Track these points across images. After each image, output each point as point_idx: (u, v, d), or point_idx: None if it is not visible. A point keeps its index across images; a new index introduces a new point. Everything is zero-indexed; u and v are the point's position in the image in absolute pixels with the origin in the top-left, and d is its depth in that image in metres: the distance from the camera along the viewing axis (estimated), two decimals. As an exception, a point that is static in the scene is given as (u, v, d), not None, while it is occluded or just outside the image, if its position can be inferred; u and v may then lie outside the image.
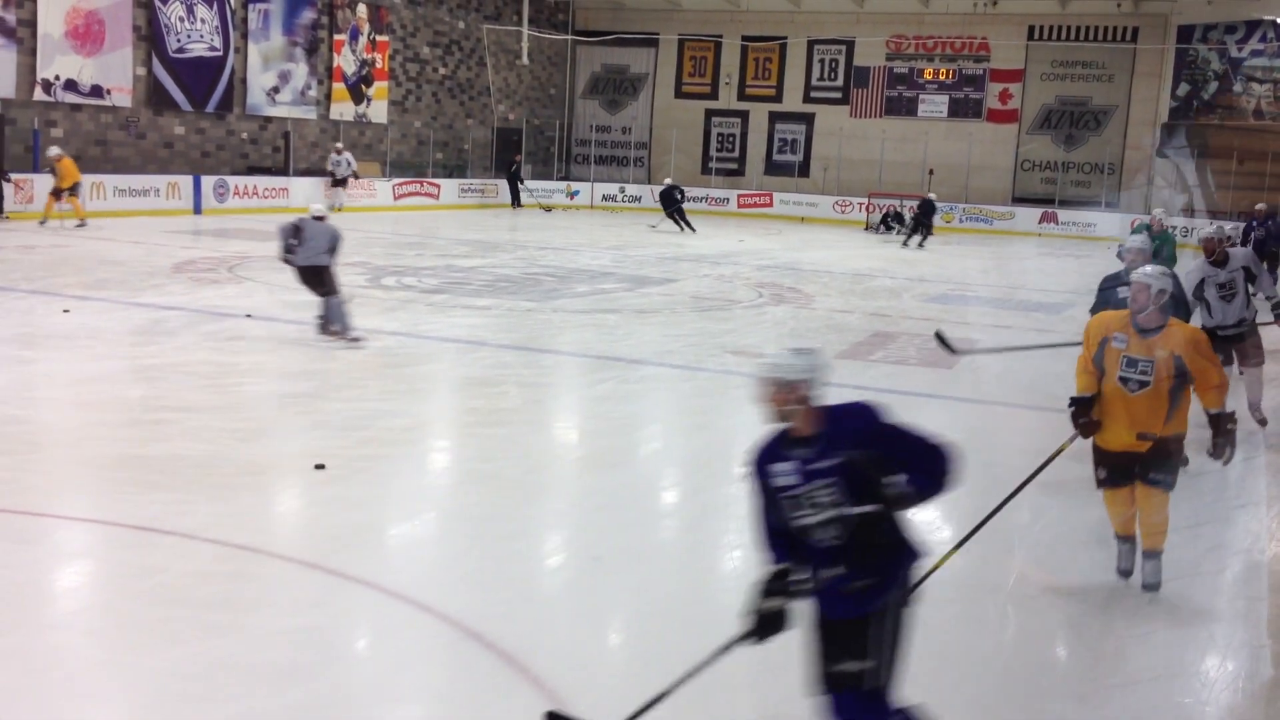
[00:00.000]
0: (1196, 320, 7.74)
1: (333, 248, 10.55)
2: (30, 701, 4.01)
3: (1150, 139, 32.44)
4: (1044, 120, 33.98)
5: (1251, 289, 8.63)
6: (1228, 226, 25.26)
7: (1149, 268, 5.59)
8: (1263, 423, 8.60)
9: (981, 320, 14.36)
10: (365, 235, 21.32)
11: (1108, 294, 7.64)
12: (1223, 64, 31.17)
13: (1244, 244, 15.91)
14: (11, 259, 15.67)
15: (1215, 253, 8.53)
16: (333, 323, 10.39)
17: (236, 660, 4.35)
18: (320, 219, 10.67)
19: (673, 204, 26.04)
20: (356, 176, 26.97)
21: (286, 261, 10.54)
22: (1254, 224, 17.88)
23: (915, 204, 26.93)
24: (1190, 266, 8.70)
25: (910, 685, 4.48)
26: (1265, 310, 9.23)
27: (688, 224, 25.87)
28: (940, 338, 8.66)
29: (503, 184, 32.55)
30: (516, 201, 31.67)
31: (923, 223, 25.94)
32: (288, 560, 5.38)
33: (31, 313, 11.07)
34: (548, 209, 31.10)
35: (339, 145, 27.11)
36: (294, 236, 10.42)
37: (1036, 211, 32.07)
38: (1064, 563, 5.95)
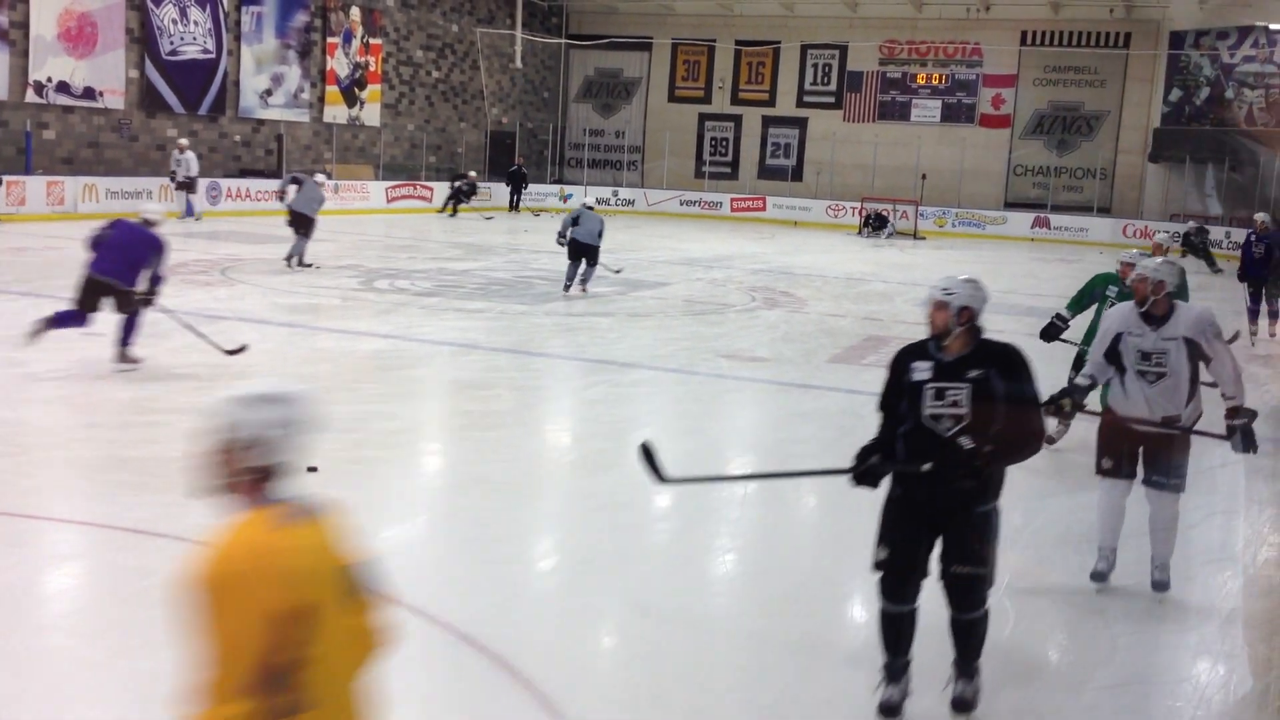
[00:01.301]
0: (1095, 401, 6.00)
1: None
2: (21, 704, 4.00)
3: (1142, 144, 32.56)
4: (1036, 125, 34.08)
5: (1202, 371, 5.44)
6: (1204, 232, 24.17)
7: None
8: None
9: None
10: (358, 238, 21.27)
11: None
12: (1214, 70, 31.30)
13: (1243, 263, 14.55)
14: (4, 261, 15.63)
15: (1145, 299, 5.38)
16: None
17: (227, 663, 4.33)
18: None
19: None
20: (190, 181, 22.77)
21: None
22: (1253, 238, 14.37)
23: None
24: (1107, 311, 6.08)
25: (921, 679, 4.48)
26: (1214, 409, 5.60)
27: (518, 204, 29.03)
28: (648, 453, 4.45)
29: (496, 187, 32.54)
30: (516, 205, 31.61)
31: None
32: (279, 563, 5.36)
33: (23, 314, 11.03)
34: (537, 213, 31.07)
35: (183, 142, 23.15)
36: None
37: (1029, 216, 32.16)
38: (1057, 563, 5.96)
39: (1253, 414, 5.40)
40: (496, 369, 10.31)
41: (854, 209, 31.98)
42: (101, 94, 23.05)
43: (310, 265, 15.84)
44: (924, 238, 30.58)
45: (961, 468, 3.93)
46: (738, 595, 5.57)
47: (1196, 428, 5.47)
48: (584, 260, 14.87)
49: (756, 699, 4.36)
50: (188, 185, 22.89)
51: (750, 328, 13.47)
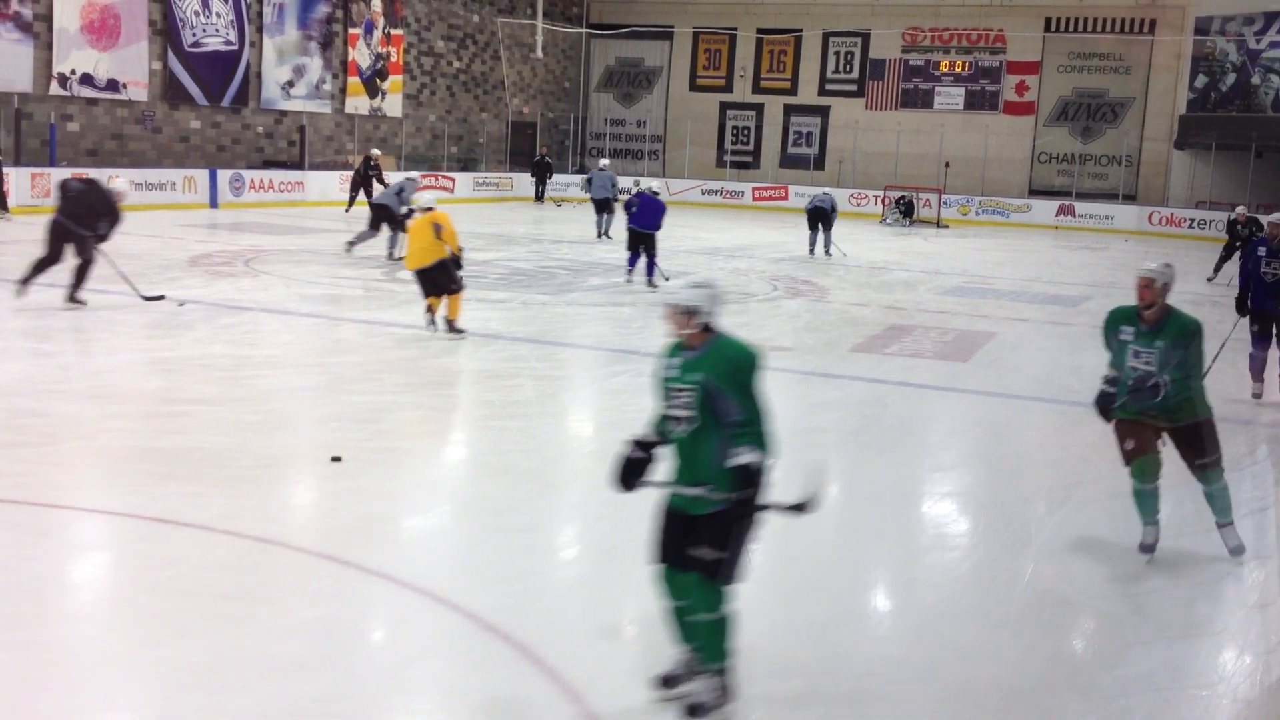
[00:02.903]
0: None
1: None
2: (47, 692, 4.03)
3: (1168, 131, 32.24)
4: (1061, 112, 33.81)
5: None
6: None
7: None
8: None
9: (998, 313, 14.29)
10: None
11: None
12: (1240, 56, 30.94)
13: (1249, 288, 9.70)
14: (30, 253, 15.74)
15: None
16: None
17: (252, 651, 4.36)
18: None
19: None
20: None
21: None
22: (1262, 252, 9.92)
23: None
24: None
25: (922, 674, 4.47)
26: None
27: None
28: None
29: (518, 177, 32.56)
30: (540, 195, 31.62)
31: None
32: (303, 552, 5.39)
33: (49, 306, 11.13)
34: (559, 203, 31.07)
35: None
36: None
37: (1053, 204, 31.93)
38: (1078, 559, 5.92)
39: None
40: (518, 359, 10.32)
41: (877, 198, 31.84)
42: (125, 86, 23.17)
43: (351, 248, 16.75)
44: (947, 226, 30.41)
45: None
46: (760, 585, 5.55)
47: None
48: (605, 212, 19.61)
49: (779, 690, 4.35)
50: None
51: (773, 317, 13.43)
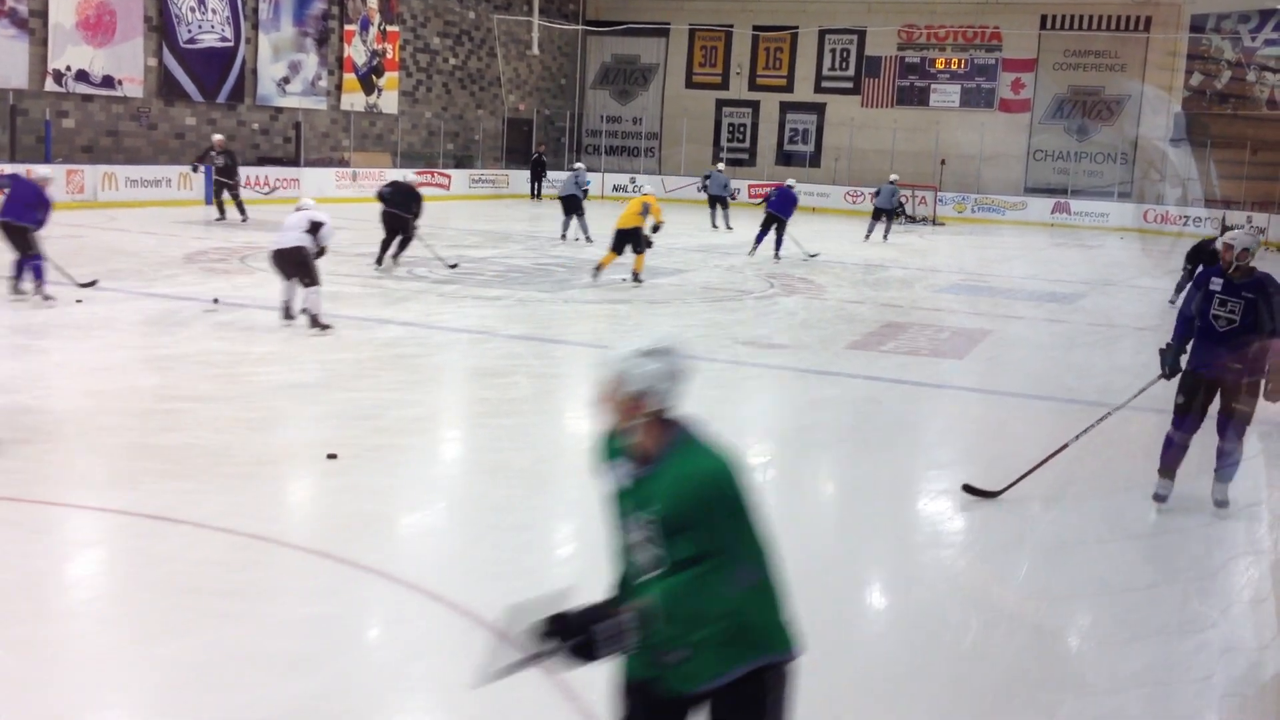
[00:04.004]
0: None
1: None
2: (43, 690, 4.04)
3: (1163, 129, 32.28)
4: (1056, 110, 33.84)
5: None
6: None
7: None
8: None
9: (993, 310, 14.32)
10: (376, 226, 21.30)
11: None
12: (1236, 53, 30.98)
13: (1192, 336, 8.21)
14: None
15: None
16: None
17: (248, 649, 4.37)
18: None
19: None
20: None
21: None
22: (1216, 286, 6.14)
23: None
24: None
25: (917, 671, 4.48)
26: None
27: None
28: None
29: (515, 174, 32.53)
30: (537, 193, 31.57)
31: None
32: (299, 549, 5.39)
33: (44, 303, 11.11)
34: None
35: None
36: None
37: (1049, 201, 31.97)
38: (1072, 557, 5.93)
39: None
40: (515, 356, 10.32)
41: (872, 195, 31.85)
42: (120, 82, 23.13)
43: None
44: (943, 223, 30.43)
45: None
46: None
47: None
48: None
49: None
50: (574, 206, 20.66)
51: (769, 314, 13.44)
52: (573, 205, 20.61)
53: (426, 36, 31.78)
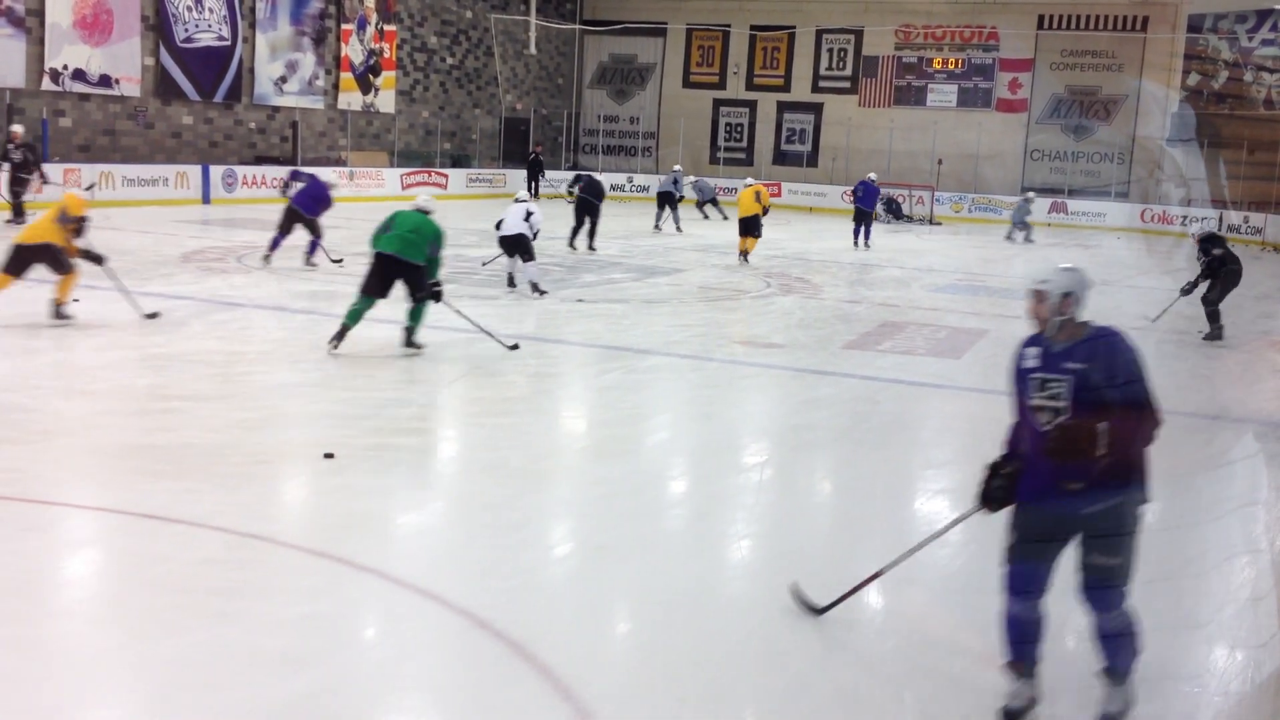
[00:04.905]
0: None
1: None
2: (37, 689, 4.02)
3: (1160, 129, 32.31)
4: (1053, 110, 33.86)
5: None
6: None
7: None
8: None
9: (990, 310, 14.32)
10: (373, 225, 21.25)
11: None
12: (1233, 53, 31.01)
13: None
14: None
15: None
16: None
17: (243, 647, 4.36)
18: None
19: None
20: None
21: None
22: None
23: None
24: None
25: (914, 670, 4.48)
26: None
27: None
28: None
29: (512, 174, 32.49)
30: (535, 193, 31.52)
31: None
32: (295, 548, 5.38)
33: (40, 302, 11.10)
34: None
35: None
36: None
37: (1045, 201, 31.99)
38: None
39: None
40: (511, 355, 10.30)
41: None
42: (118, 81, 23.10)
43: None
44: (940, 223, 30.44)
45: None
46: (753, 582, 5.56)
47: None
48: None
49: (770, 685, 4.35)
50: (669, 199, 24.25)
51: (765, 314, 13.44)
52: (668, 199, 23.88)
53: (424, 35, 31.75)
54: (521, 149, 33.84)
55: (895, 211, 30.33)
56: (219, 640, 4.40)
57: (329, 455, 6.66)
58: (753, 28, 36.42)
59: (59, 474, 6.37)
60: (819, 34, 35.75)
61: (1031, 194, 27.79)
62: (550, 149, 36.06)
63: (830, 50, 35.90)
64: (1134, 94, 32.90)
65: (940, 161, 33.14)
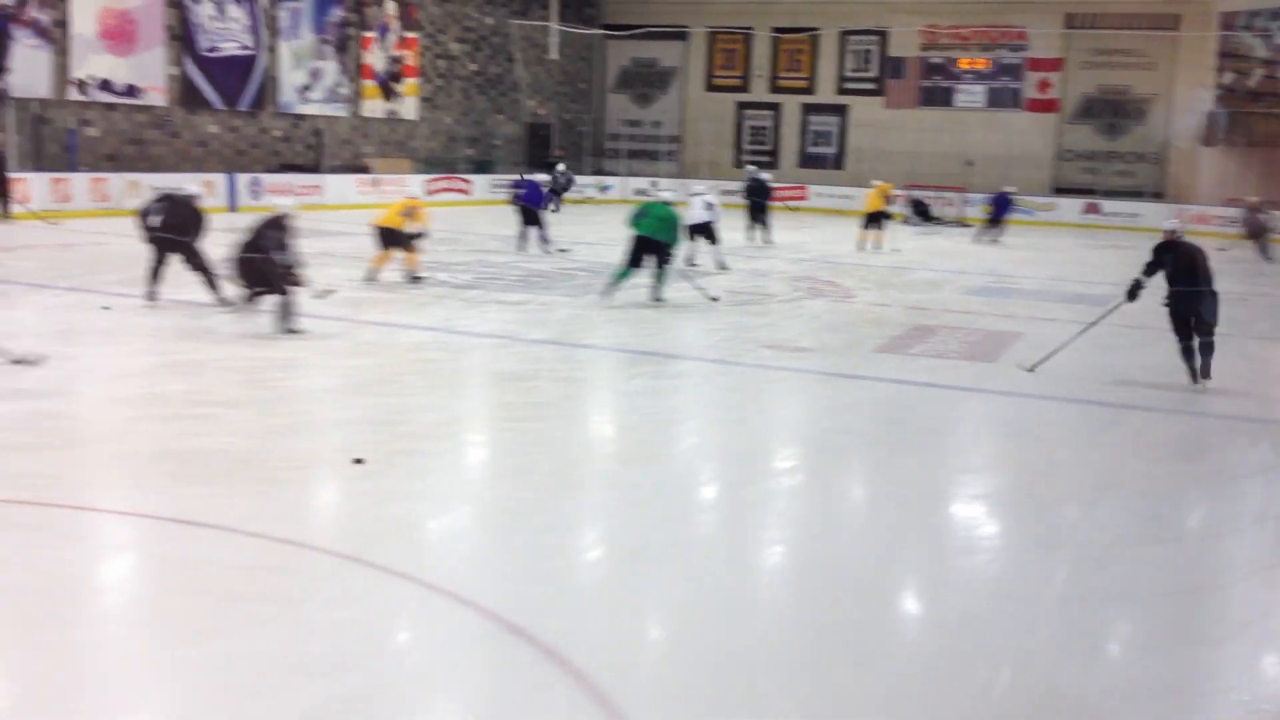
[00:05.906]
0: None
1: None
2: (73, 694, 4.01)
3: (1195, 128, 31.92)
4: (1085, 109, 33.56)
5: None
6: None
7: None
8: None
9: (1024, 313, 14.17)
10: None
11: None
12: (1269, 51, 30.62)
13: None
14: (51, 257, 15.83)
15: None
16: None
17: (276, 652, 4.33)
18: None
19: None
20: None
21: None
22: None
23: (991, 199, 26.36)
24: None
25: (954, 677, 4.40)
26: None
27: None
28: None
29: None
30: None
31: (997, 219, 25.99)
32: (328, 554, 5.36)
33: (72, 310, 11.16)
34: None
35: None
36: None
37: (1079, 202, 31.68)
38: (1111, 562, 5.83)
39: None
40: (538, 361, 10.27)
41: (898, 197, 31.68)
42: (143, 91, 23.28)
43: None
44: (970, 225, 30.20)
45: None
46: (788, 587, 5.50)
47: None
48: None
49: (808, 691, 4.28)
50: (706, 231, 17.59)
51: (793, 318, 13.35)
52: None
53: (445, 42, 31.84)
54: (544, 154, 33.81)
55: (923, 214, 30.14)
56: (253, 645, 4.38)
57: (359, 460, 6.65)
58: (775, 30, 36.30)
59: (93, 479, 6.39)
60: (843, 35, 35.59)
61: (1012, 188, 27.00)
62: (574, 154, 36.05)
63: (855, 52, 35.74)
64: (1167, 93, 32.55)
65: (970, 163, 32.89)
